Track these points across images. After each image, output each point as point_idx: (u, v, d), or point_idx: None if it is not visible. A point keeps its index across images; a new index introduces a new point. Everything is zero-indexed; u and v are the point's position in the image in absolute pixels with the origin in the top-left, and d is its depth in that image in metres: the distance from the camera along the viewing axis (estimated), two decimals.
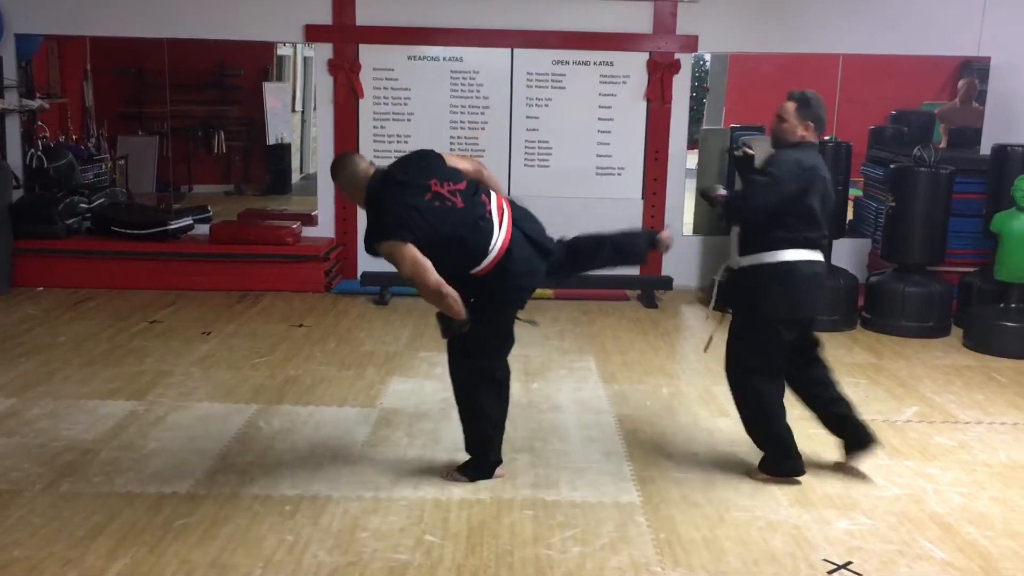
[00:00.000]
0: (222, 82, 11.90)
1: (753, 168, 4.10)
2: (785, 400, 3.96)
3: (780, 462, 3.96)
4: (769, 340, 3.83)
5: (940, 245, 6.58)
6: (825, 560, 3.33)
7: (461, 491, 3.83)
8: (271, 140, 12.06)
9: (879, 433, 4.56)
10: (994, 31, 7.53)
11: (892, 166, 6.81)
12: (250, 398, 4.92)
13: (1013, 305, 6.17)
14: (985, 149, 7.43)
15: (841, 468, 4.07)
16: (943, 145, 8.55)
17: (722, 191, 4.12)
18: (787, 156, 3.88)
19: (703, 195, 4.17)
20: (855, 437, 4.03)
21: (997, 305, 6.29)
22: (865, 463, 4.05)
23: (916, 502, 3.83)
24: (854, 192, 7.91)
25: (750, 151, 4.29)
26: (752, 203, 3.84)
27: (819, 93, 4.03)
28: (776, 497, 3.84)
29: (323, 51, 7.68)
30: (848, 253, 7.62)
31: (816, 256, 3.86)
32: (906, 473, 4.12)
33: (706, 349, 4.32)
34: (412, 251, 3.50)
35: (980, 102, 8.02)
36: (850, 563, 3.31)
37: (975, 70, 8.27)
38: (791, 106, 3.96)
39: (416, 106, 7.68)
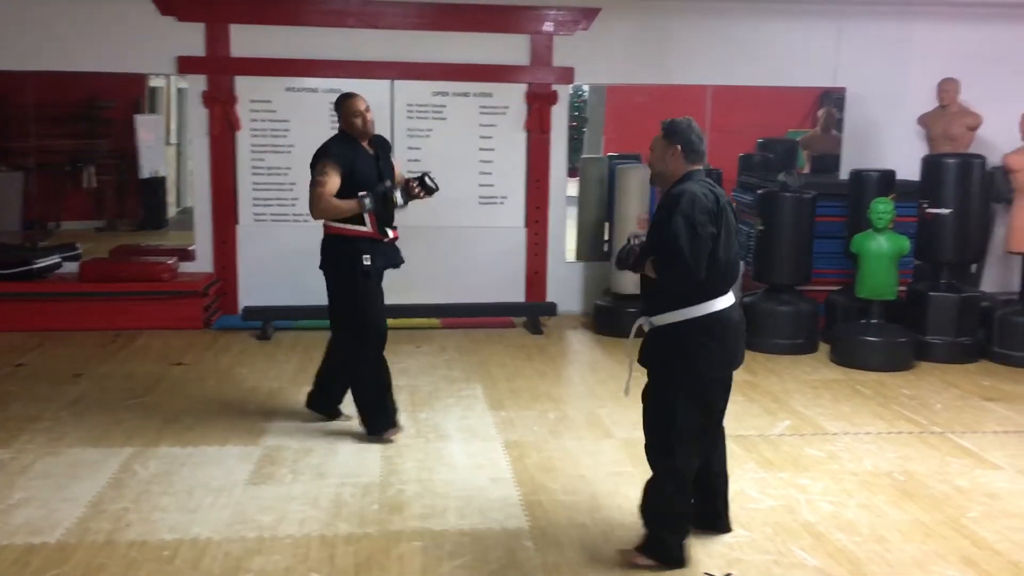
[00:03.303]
0: (92, 115, 11.54)
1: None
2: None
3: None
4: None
5: (806, 266, 6.92)
6: (706, 573, 3.43)
7: (348, 526, 3.78)
8: (144, 174, 11.74)
9: (754, 448, 4.77)
10: (848, 63, 8.01)
11: (760, 191, 7.13)
12: (125, 441, 4.74)
13: (874, 321, 6.52)
14: (844, 174, 7.86)
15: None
16: (806, 171, 9.01)
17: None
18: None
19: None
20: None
21: (859, 321, 6.64)
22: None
23: (789, 512, 3.99)
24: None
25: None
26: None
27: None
28: None
29: (197, 83, 7.53)
30: None
31: None
32: (780, 485, 4.30)
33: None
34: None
35: (838, 130, 8.50)
36: (729, 575, 3.42)
37: (833, 100, 8.77)
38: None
39: (296, 138, 7.60)
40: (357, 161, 4.69)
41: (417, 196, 4.72)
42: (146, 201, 12.19)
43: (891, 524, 3.89)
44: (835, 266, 7.31)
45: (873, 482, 4.36)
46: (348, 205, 4.60)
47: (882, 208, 6.42)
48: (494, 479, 4.33)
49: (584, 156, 10.16)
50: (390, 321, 6.67)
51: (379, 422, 4.80)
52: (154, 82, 12.27)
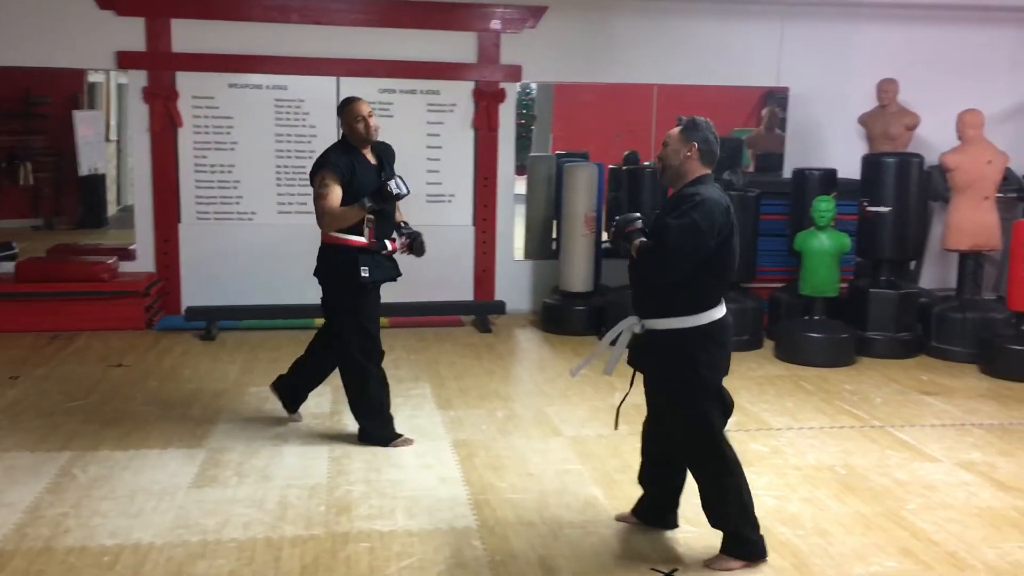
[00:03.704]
0: (28, 110, 11.25)
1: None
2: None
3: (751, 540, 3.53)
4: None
5: (751, 263, 7.01)
6: (653, 569, 3.46)
7: (294, 528, 3.74)
8: (83, 171, 11.48)
9: None
10: (790, 63, 8.13)
11: None
12: (63, 445, 4.62)
13: (817, 318, 6.63)
14: (787, 173, 7.98)
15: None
16: (751, 169, 9.12)
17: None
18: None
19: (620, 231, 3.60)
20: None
21: (803, 318, 6.75)
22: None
23: None
24: None
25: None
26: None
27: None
28: (607, 513, 3.96)
29: (138, 78, 7.37)
30: None
31: None
32: None
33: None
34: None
35: (781, 129, 8.62)
36: (676, 570, 3.46)
37: (776, 99, 8.89)
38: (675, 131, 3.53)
39: (239, 135, 7.50)
40: (356, 171, 4.54)
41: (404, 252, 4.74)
42: (85, 199, 11.91)
43: (833, 517, 3.96)
44: (779, 263, 7.42)
45: (816, 476, 4.44)
46: (352, 212, 4.48)
47: (824, 206, 6.53)
48: (442, 478, 4.31)
49: (532, 154, 10.17)
50: None
51: (382, 433, 4.72)
52: (93, 77, 11.99)
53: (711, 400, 3.47)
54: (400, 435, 4.74)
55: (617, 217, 3.69)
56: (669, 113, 9.58)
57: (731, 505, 3.48)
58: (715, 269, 3.41)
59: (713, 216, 3.34)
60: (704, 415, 3.45)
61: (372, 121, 4.61)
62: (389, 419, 4.78)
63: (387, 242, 4.65)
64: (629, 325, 3.52)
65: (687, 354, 3.41)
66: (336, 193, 4.49)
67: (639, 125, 9.43)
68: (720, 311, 3.45)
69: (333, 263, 4.62)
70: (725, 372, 3.53)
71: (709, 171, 3.50)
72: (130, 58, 7.30)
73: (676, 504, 3.78)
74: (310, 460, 4.49)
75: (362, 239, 4.56)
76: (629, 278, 3.62)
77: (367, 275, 4.56)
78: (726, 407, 3.55)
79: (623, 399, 3.69)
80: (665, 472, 3.71)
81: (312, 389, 5.05)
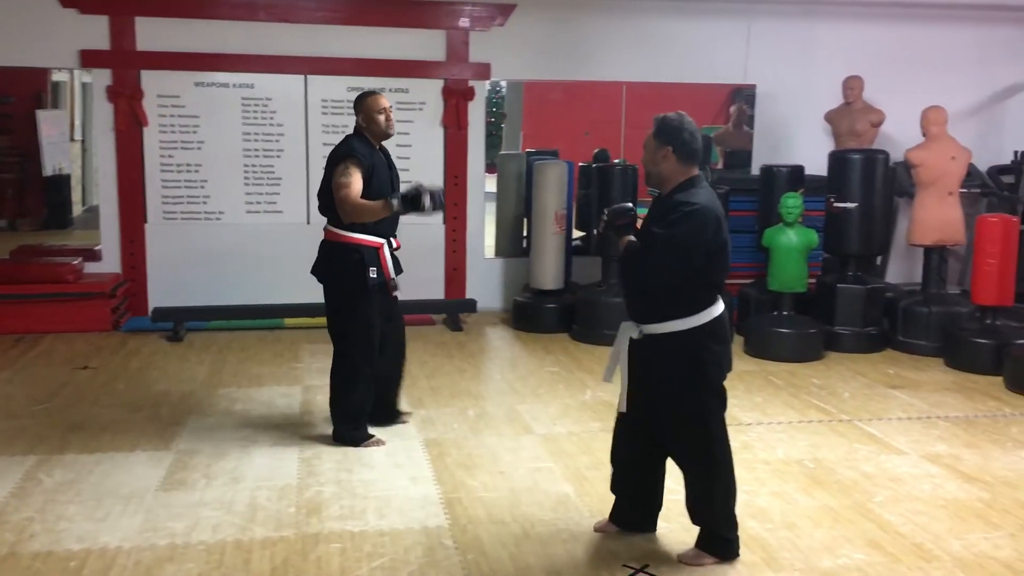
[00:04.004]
0: None
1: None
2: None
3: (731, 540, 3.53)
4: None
5: None
6: (624, 565, 3.47)
7: (264, 530, 3.71)
8: (48, 171, 11.34)
9: None
10: (757, 61, 8.18)
11: None
12: (28, 449, 4.56)
13: (785, 313, 6.69)
14: (755, 169, 8.04)
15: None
16: (720, 166, 9.18)
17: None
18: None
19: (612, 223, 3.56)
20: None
21: (771, 314, 6.80)
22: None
23: None
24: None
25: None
26: None
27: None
28: (579, 510, 3.97)
29: (102, 77, 7.28)
30: None
31: None
32: None
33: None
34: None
35: (749, 126, 8.68)
36: (647, 566, 3.47)
37: (744, 96, 8.96)
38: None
39: (206, 134, 7.43)
40: (376, 166, 4.47)
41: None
42: (50, 199, 11.77)
43: (801, 511, 4.00)
44: (747, 259, 7.47)
45: (784, 470, 4.47)
46: (376, 207, 4.33)
47: (791, 203, 6.58)
48: (414, 478, 4.30)
49: (502, 152, 10.18)
50: (307, 320, 6.62)
51: (355, 435, 4.67)
52: (57, 76, 11.84)
53: (714, 399, 3.45)
54: (372, 436, 4.72)
55: (610, 207, 3.61)
56: (638, 111, 9.69)
57: (717, 506, 3.48)
58: (705, 277, 3.36)
59: (702, 230, 3.26)
60: (706, 415, 3.42)
61: (391, 115, 4.54)
62: (364, 423, 4.75)
63: (392, 239, 4.59)
64: (627, 331, 3.46)
65: (691, 355, 3.35)
66: (359, 183, 4.35)
67: (608, 123, 9.48)
68: (718, 308, 3.39)
69: (337, 263, 4.51)
70: (729, 368, 3.48)
71: (695, 171, 3.39)
72: (94, 57, 7.21)
73: (661, 504, 3.72)
74: (280, 461, 4.46)
75: (374, 239, 4.47)
76: (620, 281, 3.56)
77: (375, 276, 4.47)
78: (726, 404, 3.52)
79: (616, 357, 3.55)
80: (651, 474, 3.66)
81: (396, 391, 4.99)
